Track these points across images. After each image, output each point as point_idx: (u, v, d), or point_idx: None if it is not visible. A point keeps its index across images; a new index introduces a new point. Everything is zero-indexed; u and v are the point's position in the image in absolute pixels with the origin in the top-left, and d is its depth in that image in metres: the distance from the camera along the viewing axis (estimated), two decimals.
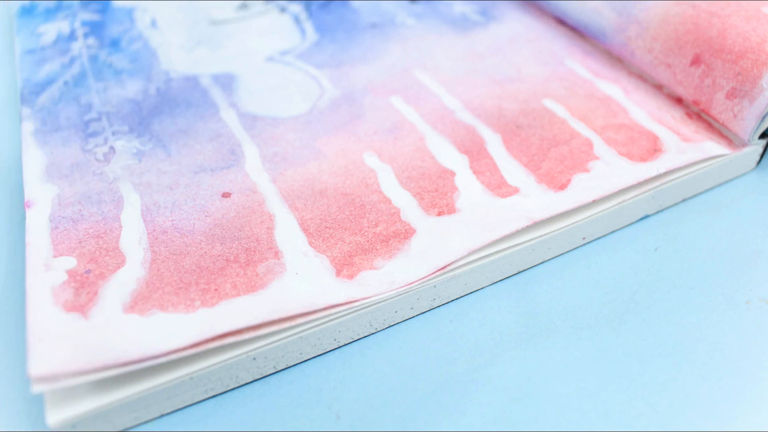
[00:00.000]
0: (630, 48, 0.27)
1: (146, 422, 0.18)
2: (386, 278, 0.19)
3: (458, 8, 0.33)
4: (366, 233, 0.21)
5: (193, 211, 0.22)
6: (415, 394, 0.18)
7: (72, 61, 0.29)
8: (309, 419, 0.18)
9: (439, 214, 0.21)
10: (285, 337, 0.18)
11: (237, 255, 0.20)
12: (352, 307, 0.19)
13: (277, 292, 0.19)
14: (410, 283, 0.19)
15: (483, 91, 0.27)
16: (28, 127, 0.25)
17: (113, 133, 0.25)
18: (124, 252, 0.20)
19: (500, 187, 0.22)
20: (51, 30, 0.32)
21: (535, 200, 0.21)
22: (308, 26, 0.32)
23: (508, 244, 0.20)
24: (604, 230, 0.22)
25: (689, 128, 0.24)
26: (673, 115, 0.25)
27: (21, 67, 0.29)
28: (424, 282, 0.19)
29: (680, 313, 0.20)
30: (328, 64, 0.29)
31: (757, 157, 0.25)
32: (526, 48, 0.29)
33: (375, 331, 0.20)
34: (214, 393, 0.18)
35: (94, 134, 0.25)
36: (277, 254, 0.20)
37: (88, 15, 0.33)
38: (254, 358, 0.18)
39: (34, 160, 0.23)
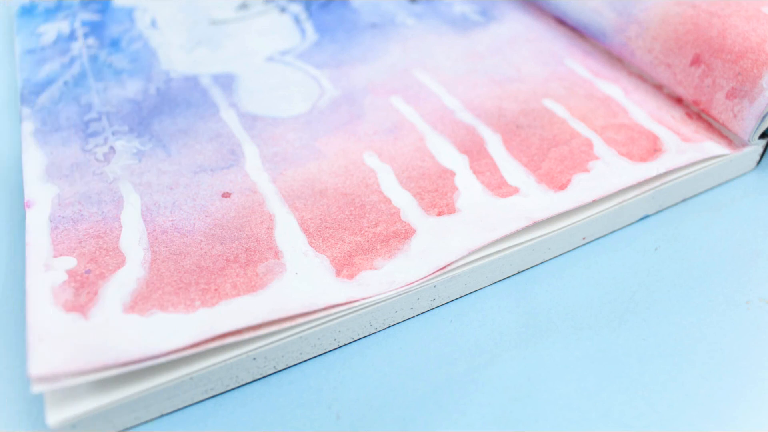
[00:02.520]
0: (630, 48, 0.27)
1: (146, 422, 0.18)
2: (386, 278, 0.19)
3: (458, 8, 0.33)
4: (366, 233, 0.21)
5: (193, 211, 0.22)
6: (415, 394, 0.18)
7: (72, 61, 0.29)
8: (309, 419, 0.18)
9: (439, 214, 0.21)
10: (285, 337, 0.18)
11: (237, 255, 0.20)
12: (352, 307, 0.19)
13: (277, 292, 0.19)
14: (410, 283, 0.19)
15: (483, 91, 0.27)
16: (28, 127, 0.25)
17: (113, 133, 0.25)
18: (124, 252, 0.20)
19: (500, 187, 0.22)
20: (51, 30, 0.32)
21: (535, 200, 0.21)
22: (308, 26, 0.32)
23: (508, 244, 0.20)
24: (604, 230, 0.22)
25: (689, 128, 0.24)
26: (673, 115, 0.25)
27: (21, 67, 0.29)
28: (424, 282, 0.19)
29: (680, 313, 0.20)
30: (328, 64, 0.29)
31: (757, 157, 0.25)
32: (526, 48, 0.29)
33: (375, 331, 0.20)
34: (214, 393, 0.18)
35: (94, 134, 0.25)
36: (277, 254, 0.20)
37: (88, 15, 0.33)
38: (254, 358, 0.18)
39: (34, 160, 0.23)
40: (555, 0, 0.31)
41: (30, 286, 0.19)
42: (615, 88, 0.27)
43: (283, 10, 0.33)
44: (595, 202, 0.22)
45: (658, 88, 0.26)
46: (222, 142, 0.25)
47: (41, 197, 0.22)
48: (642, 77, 0.27)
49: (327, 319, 0.19)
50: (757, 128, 0.23)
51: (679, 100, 0.26)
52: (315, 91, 0.27)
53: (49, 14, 0.33)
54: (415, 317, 0.20)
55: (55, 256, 0.20)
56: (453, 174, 0.23)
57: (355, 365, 0.19)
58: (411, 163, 0.23)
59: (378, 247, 0.20)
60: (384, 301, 0.19)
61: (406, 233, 0.21)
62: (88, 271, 0.19)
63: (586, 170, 0.23)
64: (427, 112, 0.26)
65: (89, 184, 0.23)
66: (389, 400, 0.18)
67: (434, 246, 0.20)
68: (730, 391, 0.18)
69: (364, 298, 0.19)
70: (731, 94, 0.23)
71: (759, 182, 0.24)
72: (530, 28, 0.31)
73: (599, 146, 0.24)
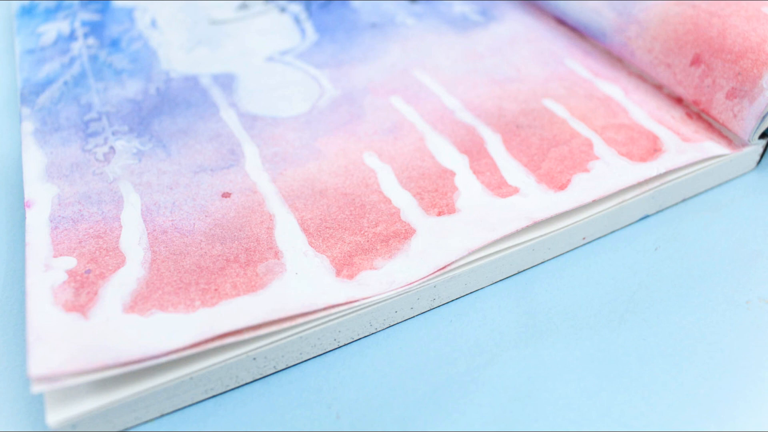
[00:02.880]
0: (630, 48, 0.27)
1: (146, 422, 0.18)
2: (386, 278, 0.19)
3: (458, 8, 0.33)
4: (366, 233, 0.21)
5: (193, 211, 0.22)
6: (415, 394, 0.18)
7: (72, 61, 0.29)
8: (309, 419, 0.18)
9: (439, 214, 0.21)
10: (285, 337, 0.18)
11: (237, 255, 0.20)
12: (352, 307, 0.19)
13: (277, 292, 0.19)
14: (410, 283, 0.19)
15: (483, 91, 0.27)
16: (28, 127, 0.25)
17: (113, 133, 0.25)
18: (124, 252, 0.20)
19: (500, 187, 0.22)
20: (51, 30, 0.32)
21: (535, 200, 0.21)
22: (308, 26, 0.32)
23: (508, 244, 0.21)
24: (604, 230, 0.22)
25: (689, 128, 0.24)
26: (673, 115, 0.25)
27: (21, 67, 0.29)
28: (424, 282, 0.19)
29: (680, 313, 0.20)
30: (328, 64, 0.29)
31: (757, 157, 0.25)
32: (526, 48, 0.29)
33: (375, 331, 0.20)
34: (214, 393, 0.18)
35: (94, 134, 0.25)
36: (277, 254, 0.20)
37: (88, 15, 0.33)
38: (254, 358, 0.18)
39: (34, 160, 0.23)
40: (555, 0, 0.31)
41: (30, 286, 0.19)
42: (615, 88, 0.27)
43: (283, 10, 0.33)
44: (595, 202, 0.22)
45: (658, 88, 0.26)
46: (222, 142, 0.25)
47: (41, 197, 0.22)
48: (642, 77, 0.27)
49: (327, 319, 0.19)
50: (757, 128, 0.23)
51: (679, 100, 0.26)
52: (315, 91, 0.27)
53: (49, 14, 0.33)
54: (415, 317, 0.20)
55: (55, 256, 0.20)
56: (453, 174, 0.23)
57: (355, 365, 0.19)
58: (411, 163, 0.23)
59: (378, 247, 0.20)
60: (384, 301, 0.19)
61: (406, 233, 0.21)
62: (88, 271, 0.19)
63: (586, 170, 0.23)
64: (427, 112, 0.26)
65: (89, 184, 0.23)
66: (389, 400, 0.18)
67: (434, 246, 0.20)
68: (730, 391, 0.18)
69: (364, 298, 0.19)
70: (731, 94, 0.23)
71: (759, 182, 0.24)
72: (530, 28, 0.31)
73: (599, 146, 0.24)
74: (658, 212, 0.23)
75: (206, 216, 0.21)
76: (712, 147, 0.23)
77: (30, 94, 0.27)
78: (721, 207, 0.23)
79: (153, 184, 0.23)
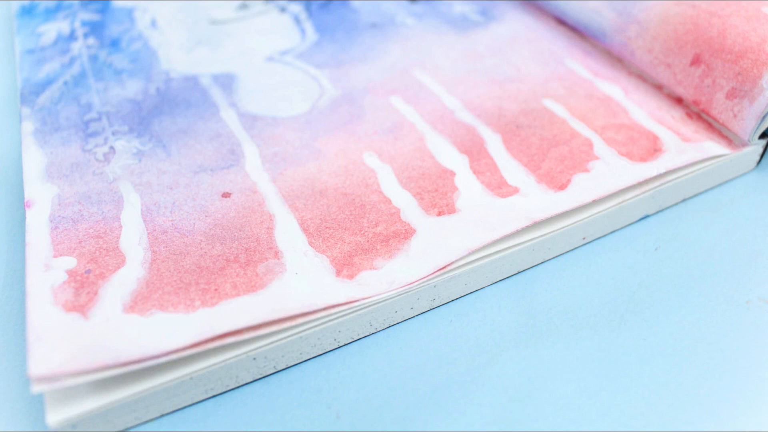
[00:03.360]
0: (630, 48, 0.27)
1: (146, 422, 0.18)
2: (386, 278, 0.19)
3: (458, 8, 0.33)
4: (366, 233, 0.21)
5: (193, 211, 0.22)
6: (415, 394, 0.18)
7: (72, 61, 0.29)
8: (309, 419, 0.18)
9: (439, 214, 0.21)
10: (285, 337, 0.18)
11: (237, 255, 0.20)
12: (352, 307, 0.19)
13: (277, 292, 0.19)
14: (410, 283, 0.19)
15: (483, 91, 0.27)
16: (28, 127, 0.25)
17: (113, 133, 0.25)
18: (124, 252, 0.20)
19: (500, 187, 0.22)
20: (51, 30, 0.32)
21: (535, 200, 0.21)
22: (308, 26, 0.32)
23: (508, 244, 0.21)
24: (604, 230, 0.22)
25: (689, 128, 0.24)
26: (673, 115, 0.25)
27: (21, 67, 0.29)
28: (424, 282, 0.19)
29: (680, 313, 0.20)
30: (328, 64, 0.29)
31: (757, 157, 0.25)
32: (526, 48, 0.29)
33: (375, 331, 0.20)
34: (214, 393, 0.18)
35: (94, 134, 0.25)
36: (277, 254, 0.20)
37: (88, 15, 0.33)
38: (254, 358, 0.18)
39: (34, 160, 0.23)
40: (555, 0, 0.31)
41: (30, 286, 0.19)
42: (615, 88, 0.27)
43: (283, 10, 0.33)
44: (595, 202, 0.22)
45: (658, 88, 0.26)
46: (222, 142, 0.25)
47: (41, 197, 0.22)
48: (642, 77, 0.27)
49: (327, 319, 0.19)
50: (757, 128, 0.23)
51: (679, 100, 0.26)
52: (315, 91, 0.27)
53: (49, 14, 0.33)
54: (415, 317, 0.20)
55: (55, 256, 0.20)
56: (453, 174, 0.23)
57: (355, 365, 0.19)
58: (411, 163, 0.23)
59: (378, 247, 0.20)
60: (384, 301, 0.19)
61: (406, 233, 0.21)
62: (88, 271, 0.19)
63: (586, 170, 0.23)
64: (427, 112, 0.26)
65: (89, 184, 0.23)
66: (389, 400, 0.18)
67: (434, 246, 0.20)
68: (730, 391, 0.18)
69: (364, 298, 0.19)
70: (731, 94, 0.23)
71: (759, 182, 0.24)
72: (530, 28, 0.31)
73: (599, 146, 0.24)
74: (658, 212, 0.23)
75: (206, 216, 0.21)
76: (712, 147, 0.23)
77: (30, 94, 0.27)
78: (721, 207, 0.23)
79: (153, 184, 0.23)
